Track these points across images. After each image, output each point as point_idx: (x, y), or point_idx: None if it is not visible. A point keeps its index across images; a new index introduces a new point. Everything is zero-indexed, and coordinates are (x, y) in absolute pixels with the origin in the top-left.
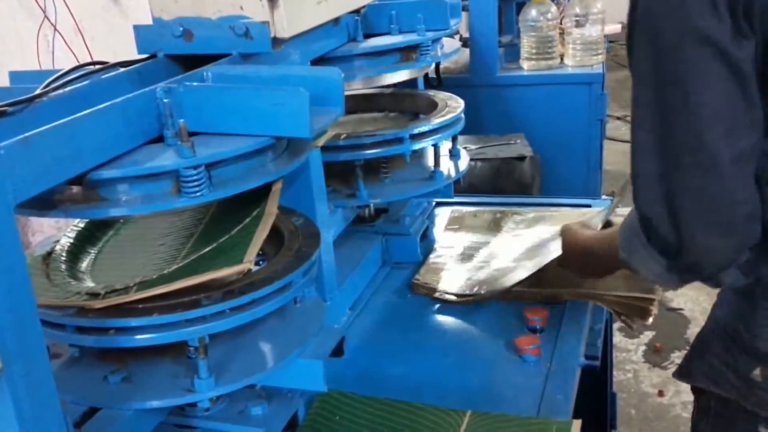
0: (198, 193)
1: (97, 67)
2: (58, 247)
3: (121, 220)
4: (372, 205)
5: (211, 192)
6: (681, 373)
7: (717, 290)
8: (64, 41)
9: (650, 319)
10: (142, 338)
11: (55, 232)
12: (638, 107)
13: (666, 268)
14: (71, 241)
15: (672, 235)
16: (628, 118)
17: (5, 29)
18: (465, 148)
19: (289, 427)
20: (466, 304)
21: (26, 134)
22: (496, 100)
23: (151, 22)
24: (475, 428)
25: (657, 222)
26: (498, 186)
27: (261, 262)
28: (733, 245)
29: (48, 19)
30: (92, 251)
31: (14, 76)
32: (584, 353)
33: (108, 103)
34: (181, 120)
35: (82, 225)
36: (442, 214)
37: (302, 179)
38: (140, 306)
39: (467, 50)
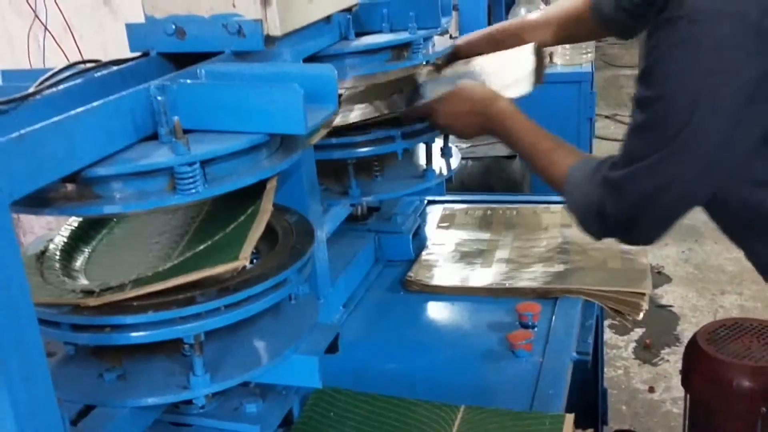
0: (193, 190)
1: (90, 65)
2: (51, 246)
3: (115, 219)
4: (364, 203)
5: (206, 189)
6: None
7: (707, 288)
8: (55, 40)
9: (641, 314)
10: (138, 335)
11: (47, 232)
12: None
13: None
14: (65, 239)
15: (627, 228)
16: (618, 117)
17: None
18: (455, 146)
19: (284, 424)
20: (459, 301)
21: (21, 131)
22: None
23: (141, 21)
24: (469, 423)
25: (616, 219)
26: (488, 184)
27: (255, 260)
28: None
29: (38, 18)
30: (86, 250)
31: (6, 74)
32: (575, 349)
33: (102, 101)
34: (176, 117)
35: (75, 224)
36: (434, 212)
37: (295, 177)
38: (135, 303)
39: None
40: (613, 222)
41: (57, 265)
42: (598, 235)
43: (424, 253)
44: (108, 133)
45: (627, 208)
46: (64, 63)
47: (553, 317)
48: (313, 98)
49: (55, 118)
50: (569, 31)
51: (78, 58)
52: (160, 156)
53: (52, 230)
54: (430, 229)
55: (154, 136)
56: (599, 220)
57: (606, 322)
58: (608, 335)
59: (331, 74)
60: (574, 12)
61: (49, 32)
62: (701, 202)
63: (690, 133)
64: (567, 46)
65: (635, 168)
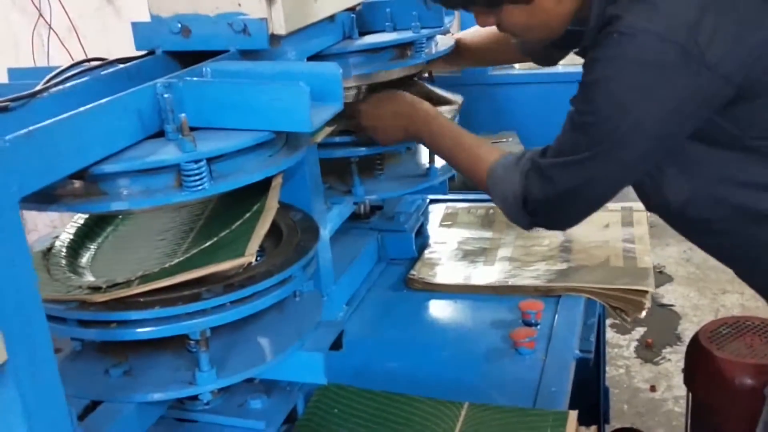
0: (199, 187)
1: (96, 63)
2: (57, 243)
3: (121, 216)
4: (367, 201)
5: (212, 186)
6: None
7: (708, 287)
8: (59, 40)
9: (644, 312)
10: (144, 331)
11: (51, 230)
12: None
13: (524, 218)
14: (71, 237)
15: (551, 214)
16: None
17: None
18: None
19: (288, 421)
20: (461, 299)
21: (30, 128)
22: (488, 98)
23: (146, 20)
24: (473, 419)
25: (541, 204)
26: None
27: (260, 257)
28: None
29: (43, 17)
30: (92, 247)
31: (13, 73)
32: (578, 347)
33: (109, 98)
34: (183, 114)
35: (81, 221)
36: (436, 211)
37: (299, 176)
38: (142, 299)
39: None
40: (537, 207)
41: (63, 261)
42: (526, 224)
43: (426, 251)
44: (115, 130)
45: (552, 195)
46: (69, 62)
47: (556, 315)
48: (318, 96)
49: (64, 115)
50: (494, 55)
51: (83, 58)
52: (167, 153)
53: (56, 228)
54: (433, 228)
55: (160, 134)
56: (524, 209)
57: (608, 321)
58: (610, 334)
59: (336, 72)
60: (500, 41)
61: (54, 32)
62: (617, 193)
63: (614, 142)
64: None
65: (563, 159)
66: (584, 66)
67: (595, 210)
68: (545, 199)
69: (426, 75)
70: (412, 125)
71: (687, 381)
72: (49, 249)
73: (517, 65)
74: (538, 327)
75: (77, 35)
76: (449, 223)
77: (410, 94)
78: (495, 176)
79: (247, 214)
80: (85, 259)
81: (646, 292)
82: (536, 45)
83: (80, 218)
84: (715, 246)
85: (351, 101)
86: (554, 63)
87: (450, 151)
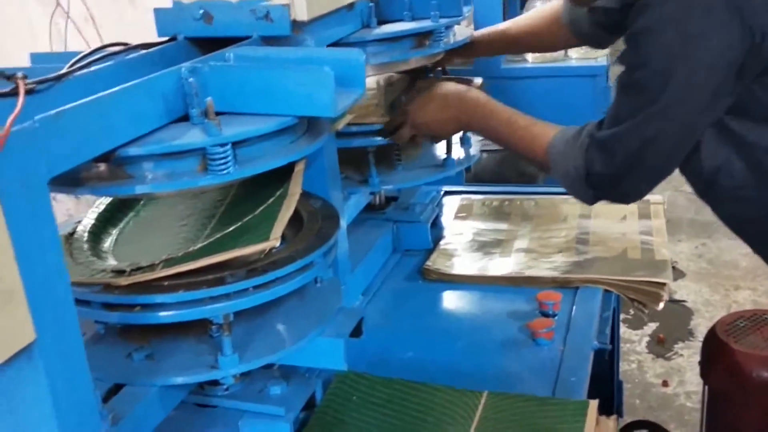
0: (225, 171)
1: (119, 48)
2: (80, 228)
3: (142, 203)
4: (383, 192)
5: (237, 170)
6: None
7: (720, 283)
8: (77, 29)
9: (661, 304)
10: (168, 315)
11: (66, 218)
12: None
13: (587, 192)
14: (93, 222)
15: (614, 187)
16: None
17: (17, 17)
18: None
19: (307, 408)
20: (478, 289)
21: (59, 109)
22: (501, 92)
23: (167, 7)
24: (493, 408)
25: (603, 177)
26: (503, 177)
27: (281, 244)
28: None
29: (60, 6)
30: (114, 232)
31: (35, 57)
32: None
33: (135, 82)
34: (208, 98)
35: (102, 207)
36: (451, 203)
37: (317, 165)
38: (166, 283)
39: None
40: (601, 181)
41: (86, 246)
42: (590, 198)
43: (442, 242)
44: (141, 113)
45: (614, 166)
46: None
47: (574, 306)
48: (341, 82)
49: (91, 97)
50: (541, 42)
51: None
52: (192, 137)
53: (72, 217)
54: (448, 220)
55: (183, 119)
56: (588, 183)
57: (621, 317)
58: (622, 329)
59: (360, 58)
60: (545, 26)
61: (72, 20)
62: (681, 158)
63: (669, 94)
64: None
65: (621, 127)
66: (630, 16)
67: (657, 181)
68: (608, 173)
69: (439, 69)
70: (464, 114)
71: (703, 373)
72: (72, 234)
73: (530, 58)
74: (556, 318)
75: (94, 24)
76: (464, 214)
77: (452, 84)
78: (555, 152)
79: (271, 199)
80: (107, 243)
81: (665, 284)
82: (587, 25)
83: (101, 204)
84: (740, 217)
85: (396, 106)
86: (605, 46)
87: (504, 133)
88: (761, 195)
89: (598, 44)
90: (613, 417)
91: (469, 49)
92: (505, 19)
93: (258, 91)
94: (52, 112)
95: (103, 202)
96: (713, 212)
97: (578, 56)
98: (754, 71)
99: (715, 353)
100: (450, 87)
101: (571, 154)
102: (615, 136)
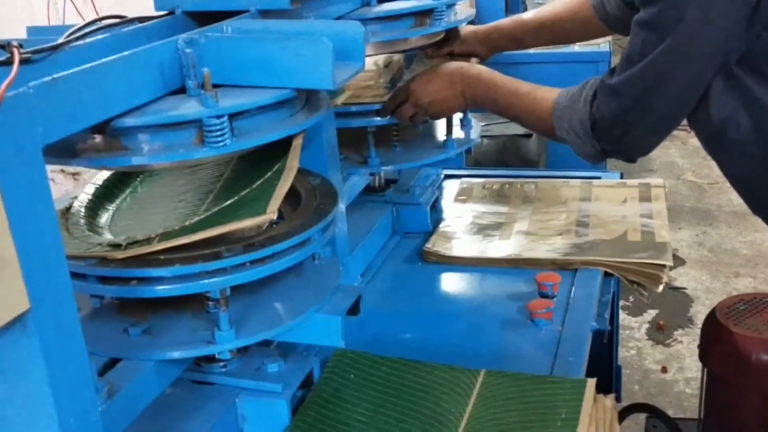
0: (221, 143)
1: (116, 21)
2: (76, 203)
3: (139, 179)
4: (383, 174)
5: (234, 142)
6: None
7: (721, 270)
8: (75, 8)
9: (661, 286)
10: (164, 289)
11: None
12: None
13: (593, 146)
14: (89, 197)
15: (622, 137)
16: None
17: None
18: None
19: (304, 385)
20: (477, 271)
21: (53, 76)
22: None
23: None
24: (490, 386)
25: (611, 124)
26: (504, 162)
27: (278, 222)
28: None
29: None
30: (111, 207)
31: (31, 30)
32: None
33: (131, 51)
34: (206, 69)
35: (99, 182)
36: (451, 186)
37: (316, 144)
38: (162, 257)
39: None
40: (609, 129)
41: (82, 221)
42: (596, 152)
43: (441, 225)
44: (137, 83)
45: (621, 110)
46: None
47: (573, 288)
48: (340, 55)
49: (87, 65)
50: (567, 31)
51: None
52: (188, 108)
53: (65, 195)
54: (448, 203)
55: (180, 91)
56: (593, 135)
57: (620, 303)
58: (621, 316)
59: (360, 31)
60: (570, 12)
61: (71, 1)
62: (691, 105)
63: (683, 29)
64: None
65: (634, 69)
66: None
67: (664, 132)
68: (614, 117)
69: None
70: (468, 88)
71: (702, 357)
72: (68, 209)
73: None
74: (555, 299)
75: (93, 5)
76: (464, 197)
77: (454, 61)
78: (559, 108)
79: (268, 173)
80: (103, 219)
81: (664, 266)
82: (616, 5)
83: (99, 179)
84: (745, 172)
85: (403, 83)
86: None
87: (509, 103)
88: (763, 153)
89: (624, 30)
90: (611, 395)
91: (488, 43)
92: (507, 4)
93: (256, 63)
94: (47, 78)
95: (100, 178)
96: (721, 171)
97: (581, 43)
98: (766, 18)
99: (715, 336)
100: (452, 64)
101: (575, 108)
102: (627, 78)
